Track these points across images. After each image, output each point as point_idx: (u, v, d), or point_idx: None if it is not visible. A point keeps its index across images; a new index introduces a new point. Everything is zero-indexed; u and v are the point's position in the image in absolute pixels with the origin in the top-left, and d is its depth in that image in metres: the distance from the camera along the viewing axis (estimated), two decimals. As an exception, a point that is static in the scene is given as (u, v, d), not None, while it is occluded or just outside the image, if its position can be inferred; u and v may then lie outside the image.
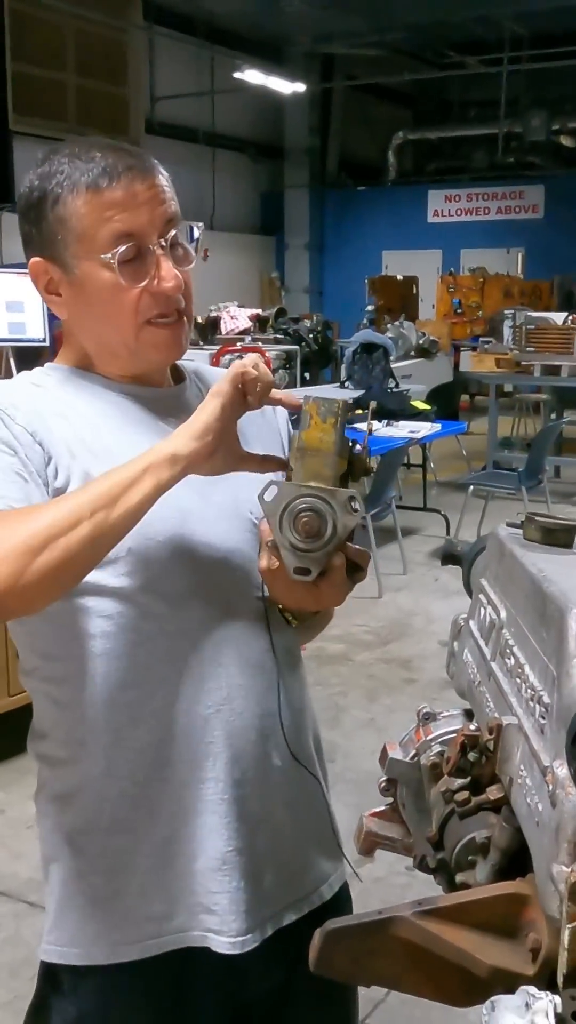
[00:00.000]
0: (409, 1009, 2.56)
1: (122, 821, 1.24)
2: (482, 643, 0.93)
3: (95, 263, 1.20)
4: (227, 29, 15.64)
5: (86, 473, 1.20)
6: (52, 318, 7.69)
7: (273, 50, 16.42)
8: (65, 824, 1.28)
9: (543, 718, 0.73)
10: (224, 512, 1.26)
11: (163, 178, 1.24)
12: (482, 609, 0.95)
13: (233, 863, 1.25)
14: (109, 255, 1.19)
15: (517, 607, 0.84)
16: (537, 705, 0.75)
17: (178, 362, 1.37)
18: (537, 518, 0.90)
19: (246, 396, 1.13)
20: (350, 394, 7.97)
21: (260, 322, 11.33)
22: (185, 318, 1.26)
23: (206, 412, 1.11)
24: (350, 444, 1.13)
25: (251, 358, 1.14)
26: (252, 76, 14.60)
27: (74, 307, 1.26)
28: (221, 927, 1.25)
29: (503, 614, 0.87)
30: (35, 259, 1.26)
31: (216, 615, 1.24)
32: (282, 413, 1.43)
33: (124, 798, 1.24)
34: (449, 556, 1.12)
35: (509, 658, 0.83)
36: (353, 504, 1.07)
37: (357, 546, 1.18)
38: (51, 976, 1.29)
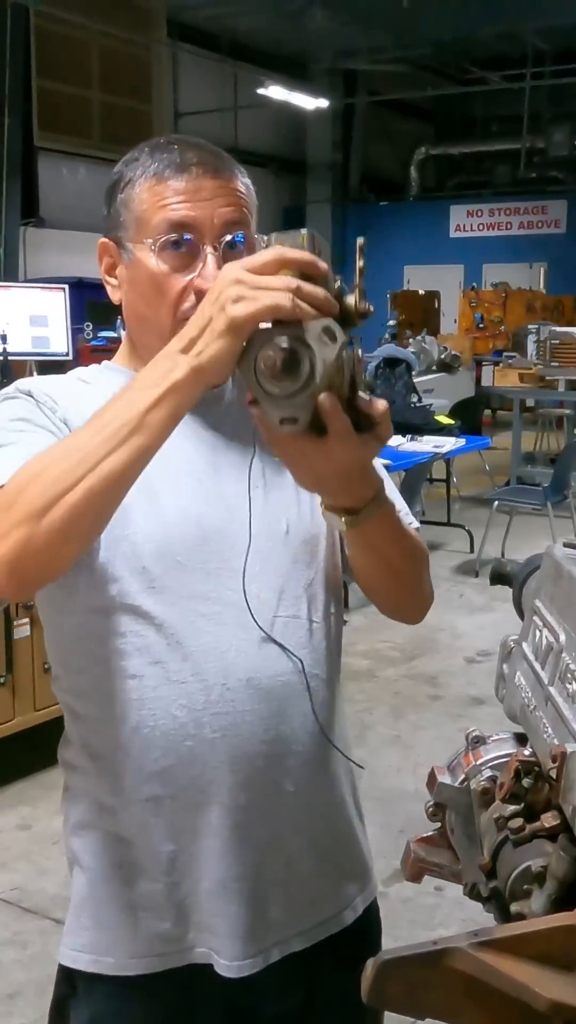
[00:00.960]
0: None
1: (133, 836, 1.24)
2: (538, 667, 0.91)
3: (145, 248, 1.20)
4: (250, 45, 15.74)
5: None
6: (76, 332, 7.73)
7: (296, 66, 16.50)
8: (83, 831, 1.29)
9: (611, 747, 0.71)
10: (248, 529, 1.23)
11: (240, 183, 1.24)
12: (537, 632, 0.93)
13: (234, 889, 1.24)
14: (151, 240, 1.19)
15: (579, 631, 0.82)
16: (605, 733, 0.73)
17: None
18: (596, 539, 0.89)
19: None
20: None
21: (283, 336, 11.34)
22: None
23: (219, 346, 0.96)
24: (336, 285, 0.98)
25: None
26: (275, 92, 14.65)
27: (125, 292, 1.26)
28: (221, 949, 1.24)
29: (563, 638, 0.85)
30: (102, 240, 1.27)
31: (229, 640, 1.21)
32: None
33: (133, 814, 1.23)
34: (499, 576, 1.10)
35: (571, 684, 0.81)
36: (330, 332, 0.92)
37: (367, 396, 1.03)
38: (68, 978, 1.31)
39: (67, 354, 6.16)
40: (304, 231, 0.97)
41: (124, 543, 1.17)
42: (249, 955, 1.24)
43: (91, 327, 9.16)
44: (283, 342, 0.92)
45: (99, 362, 1.35)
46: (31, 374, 5.54)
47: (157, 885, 1.24)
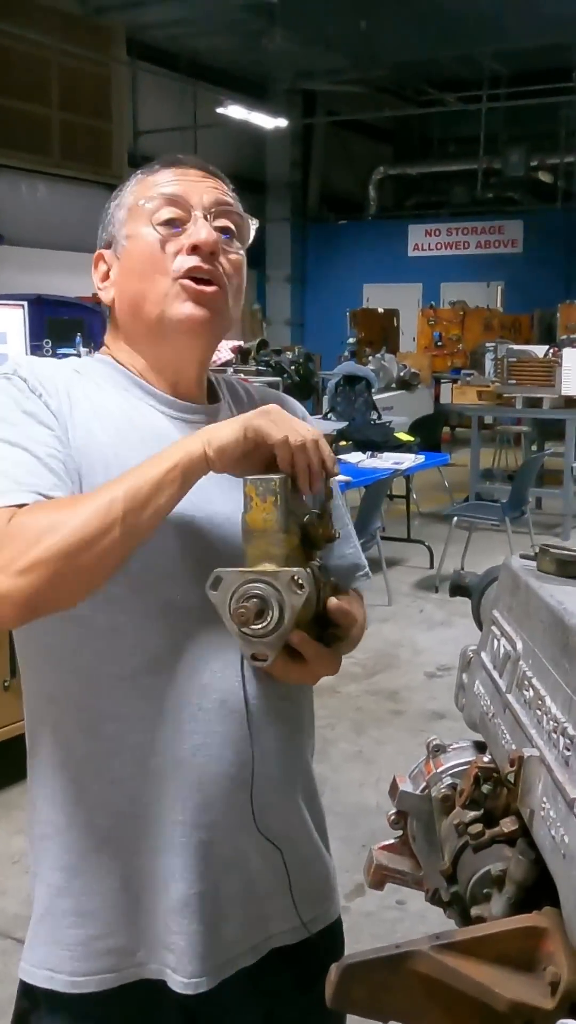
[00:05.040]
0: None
1: (94, 850, 1.24)
2: (496, 675, 0.93)
3: (140, 223, 1.26)
4: (210, 65, 15.80)
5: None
6: (35, 349, 7.69)
7: (255, 86, 16.59)
8: (45, 842, 1.28)
9: (568, 750, 0.73)
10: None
11: (223, 182, 1.32)
12: (495, 641, 0.95)
13: (195, 907, 1.23)
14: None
15: (535, 639, 0.84)
16: (561, 737, 0.75)
17: (213, 376, 1.39)
18: (551, 550, 0.91)
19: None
20: (333, 426, 8.00)
21: (242, 354, 11.38)
22: (222, 291, 1.26)
23: (232, 432, 1.12)
24: (303, 516, 1.14)
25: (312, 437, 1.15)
26: (235, 111, 14.72)
27: (119, 284, 1.29)
28: (177, 966, 1.24)
29: (519, 646, 0.87)
30: (97, 253, 1.33)
31: (203, 659, 1.22)
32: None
33: (95, 827, 1.23)
34: (458, 588, 1.12)
35: (528, 690, 0.83)
36: (298, 582, 1.07)
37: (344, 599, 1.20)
38: (28, 993, 1.30)
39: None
40: (278, 476, 1.11)
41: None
42: (205, 972, 1.24)
43: (50, 344, 9.14)
44: (256, 590, 1.07)
45: None
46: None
47: (115, 900, 1.24)
